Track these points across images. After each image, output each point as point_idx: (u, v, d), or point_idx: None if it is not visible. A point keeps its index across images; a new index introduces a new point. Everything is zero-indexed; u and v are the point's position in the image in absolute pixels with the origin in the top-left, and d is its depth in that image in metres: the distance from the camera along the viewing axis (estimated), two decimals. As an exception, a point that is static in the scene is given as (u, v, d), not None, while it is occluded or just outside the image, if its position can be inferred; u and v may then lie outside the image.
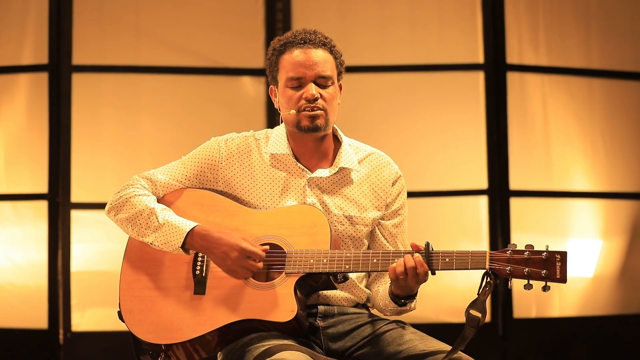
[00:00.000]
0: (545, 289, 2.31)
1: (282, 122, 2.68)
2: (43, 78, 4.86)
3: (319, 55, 2.59)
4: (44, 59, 4.86)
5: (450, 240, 4.96)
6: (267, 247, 2.48)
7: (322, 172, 2.61)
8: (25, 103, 4.90)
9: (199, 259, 2.53)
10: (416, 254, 2.40)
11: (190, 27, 5.02)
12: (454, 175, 5.02)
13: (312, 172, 2.62)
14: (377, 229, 2.65)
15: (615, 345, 5.06)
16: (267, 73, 2.68)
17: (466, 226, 5.01)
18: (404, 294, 2.48)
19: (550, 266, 2.31)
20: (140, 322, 2.52)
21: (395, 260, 2.42)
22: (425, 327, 2.69)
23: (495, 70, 5.02)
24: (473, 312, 2.34)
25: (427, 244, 2.40)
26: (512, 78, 5.05)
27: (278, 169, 2.63)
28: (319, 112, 2.57)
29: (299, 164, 2.62)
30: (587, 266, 5.06)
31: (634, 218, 5.13)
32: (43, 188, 4.83)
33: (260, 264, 2.47)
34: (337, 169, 2.62)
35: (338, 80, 2.64)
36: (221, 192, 2.64)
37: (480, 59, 5.04)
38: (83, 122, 4.89)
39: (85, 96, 4.90)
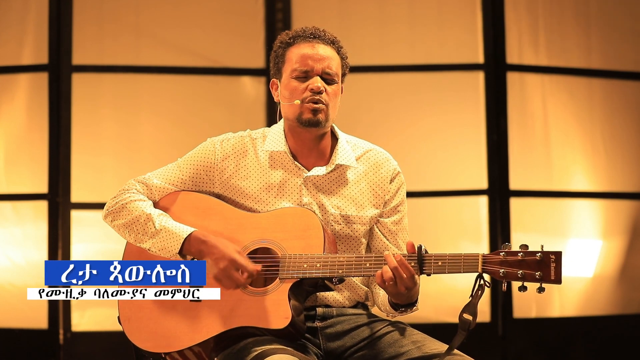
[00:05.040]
0: (540, 290, 2.26)
1: (280, 120, 2.65)
2: (43, 78, 4.86)
3: (327, 51, 2.58)
4: (44, 58, 4.86)
5: (450, 240, 4.96)
6: (260, 266, 2.44)
7: (319, 171, 2.58)
8: (25, 103, 4.89)
9: None
10: (398, 255, 2.35)
11: (190, 27, 5.02)
12: (454, 175, 5.02)
13: (308, 171, 2.59)
14: (376, 227, 2.61)
15: (615, 345, 5.05)
16: (270, 66, 2.65)
17: (466, 226, 5.01)
18: (403, 303, 2.44)
19: (544, 267, 2.26)
20: (139, 330, 2.52)
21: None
22: (425, 327, 2.68)
23: (495, 70, 5.02)
24: (465, 315, 2.33)
25: (420, 247, 2.35)
26: (512, 78, 5.05)
27: (274, 168, 2.60)
28: (321, 105, 2.54)
29: (296, 163, 2.59)
30: (587, 266, 5.06)
31: (634, 218, 5.12)
32: (43, 188, 4.82)
33: (245, 279, 2.43)
34: (333, 167, 2.59)
35: (342, 81, 2.63)
36: (218, 195, 2.61)
37: (480, 59, 5.03)
38: (83, 122, 4.89)
39: (85, 96, 4.90)
